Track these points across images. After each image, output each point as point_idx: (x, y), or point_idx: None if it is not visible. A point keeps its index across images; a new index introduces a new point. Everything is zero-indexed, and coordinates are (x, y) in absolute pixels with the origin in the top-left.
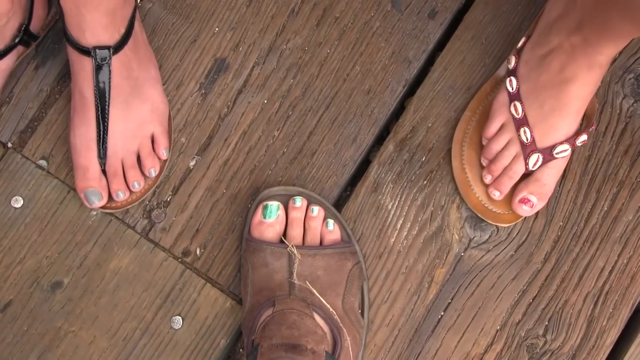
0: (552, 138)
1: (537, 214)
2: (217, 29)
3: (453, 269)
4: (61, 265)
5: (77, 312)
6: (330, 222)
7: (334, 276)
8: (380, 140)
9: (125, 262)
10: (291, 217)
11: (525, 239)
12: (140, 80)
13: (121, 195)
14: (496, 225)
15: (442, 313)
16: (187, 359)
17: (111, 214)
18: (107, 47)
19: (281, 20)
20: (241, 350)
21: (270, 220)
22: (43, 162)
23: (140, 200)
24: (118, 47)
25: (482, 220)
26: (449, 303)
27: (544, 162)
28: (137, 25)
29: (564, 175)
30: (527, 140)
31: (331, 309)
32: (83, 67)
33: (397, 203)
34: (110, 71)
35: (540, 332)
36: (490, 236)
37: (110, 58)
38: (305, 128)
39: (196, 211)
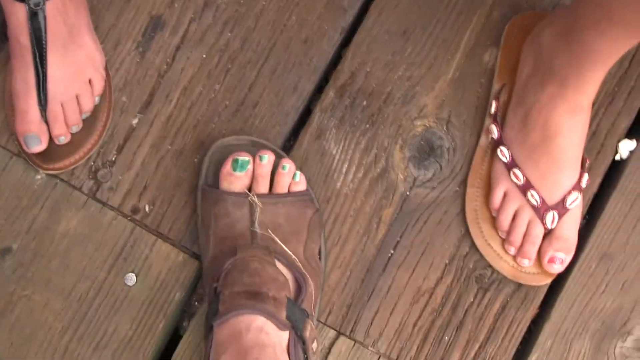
0: (560, 192)
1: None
2: None
3: (400, 208)
4: (8, 231)
5: (29, 276)
6: (297, 173)
7: (295, 224)
8: (321, 88)
9: (74, 224)
10: (257, 173)
11: (468, 173)
12: (75, 26)
13: (62, 140)
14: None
15: (392, 251)
16: (142, 315)
17: (56, 176)
18: None
19: None
20: (196, 303)
21: (240, 173)
22: None
23: (87, 156)
24: None
25: (427, 159)
26: (398, 241)
27: (560, 216)
28: None
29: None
30: (538, 202)
31: (293, 256)
32: (16, 14)
33: (341, 148)
34: (45, 17)
35: (488, 263)
36: (434, 174)
37: (43, 3)
38: (245, 80)
39: (142, 169)
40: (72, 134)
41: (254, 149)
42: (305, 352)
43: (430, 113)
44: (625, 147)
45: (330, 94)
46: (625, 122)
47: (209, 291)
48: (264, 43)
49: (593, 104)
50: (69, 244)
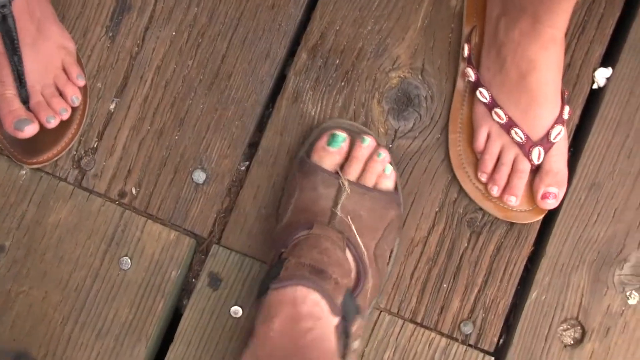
0: (543, 126)
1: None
2: None
3: None
4: None
5: (24, 272)
6: (389, 167)
7: (375, 220)
8: (293, 52)
9: (64, 215)
10: (354, 154)
11: (448, 119)
12: (42, 20)
13: (51, 120)
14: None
15: None
16: (141, 297)
17: (40, 169)
18: None
19: None
20: (193, 280)
21: (333, 149)
22: None
23: (69, 146)
24: None
25: (405, 110)
26: None
27: (546, 151)
28: None
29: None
30: (522, 139)
31: (363, 249)
32: None
33: (319, 108)
34: (13, 17)
35: (478, 206)
36: (414, 124)
37: (10, 4)
38: (217, 53)
39: (125, 152)
40: (61, 118)
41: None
42: (345, 346)
43: (404, 64)
44: (601, 75)
45: (302, 56)
46: (599, 51)
47: (275, 254)
48: (232, 13)
49: (565, 36)
50: (60, 235)
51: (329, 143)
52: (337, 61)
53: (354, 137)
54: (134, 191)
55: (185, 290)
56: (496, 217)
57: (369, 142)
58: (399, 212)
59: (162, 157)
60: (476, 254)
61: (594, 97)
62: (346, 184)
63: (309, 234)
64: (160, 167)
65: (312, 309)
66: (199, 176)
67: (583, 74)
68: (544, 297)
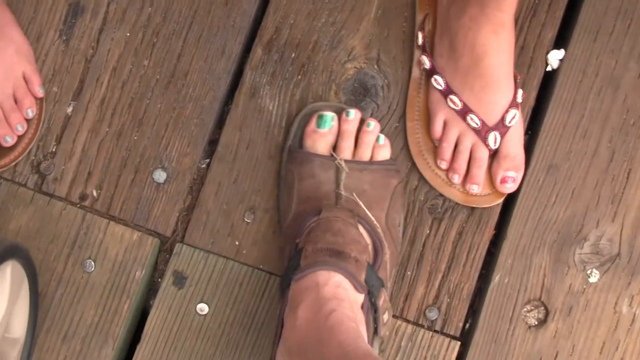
0: (498, 111)
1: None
2: None
3: None
4: None
5: None
6: (382, 136)
7: (379, 191)
8: (249, 47)
9: (25, 220)
10: (343, 129)
11: (406, 107)
12: (2, 24)
13: (9, 140)
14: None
15: None
16: (106, 298)
17: None
18: None
19: None
20: (159, 279)
21: (324, 130)
22: None
23: (27, 151)
24: None
25: (363, 100)
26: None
27: (502, 135)
28: None
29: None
30: (478, 125)
31: (375, 222)
32: None
33: (277, 103)
34: None
35: (438, 192)
36: (372, 113)
37: None
38: (173, 51)
39: (84, 155)
40: (18, 135)
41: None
42: (375, 321)
43: (359, 54)
44: (555, 57)
45: (258, 51)
46: (551, 33)
47: (290, 248)
48: (185, 12)
49: (516, 20)
50: (22, 241)
51: (319, 125)
52: (293, 55)
53: (339, 114)
54: (95, 193)
55: (151, 290)
56: (457, 203)
57: (353, 114)
58: (400, 179)
59: (122, 158)
60: (438, 240)
61: (549, 79)
62: (343, 163)
63: (319, 219)
64: (120, 168)
65: (335, 290)
66: (160, 175)
67: (536, 57)
68: (506, 280)
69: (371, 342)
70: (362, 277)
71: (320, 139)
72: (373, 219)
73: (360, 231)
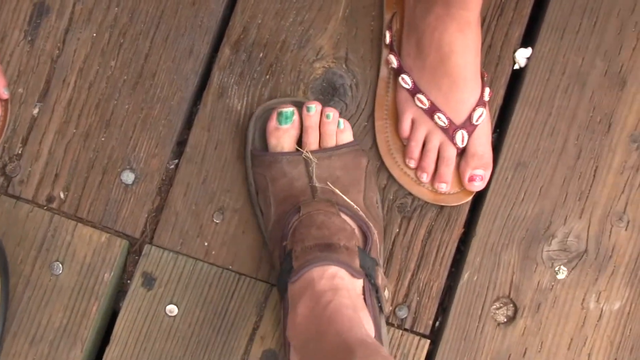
0: (465, 110)
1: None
2: None
3: None
4: None
5: None
6: (341, 121)
7: (352, 174)
8: (217, 47)
9: None
10: (306, 124)
11: (374, 106)
12: None
13: None
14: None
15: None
16: (74, 301)
17: None
18: None
19: None
20: (128, 281)
21: (286, 125)
22: None
23: None
24: None
25: (331, 100)
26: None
27: (470, 134)
28: None
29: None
30: (445, 123)
31: (355, 206)
32: None
33: (245, 102)
34: None
35: (407, 191)
36: (341, 113)
37: None
38: (140, 52)
39: (50, 156)
40: None
41: (298, 107)
42: (379, 300)
43: (327, 54)
44: (522, 55)
45: (226, 51)
46: (518, 31)
47: (279, 251)
48: (152, 12)
49: (484, 19)
50: None
51: (280, 121)
52: (261, 55)
53: (300, 106)
54: (62, 195)
55: (120, 291)
56: (426, 201)
57: (314, 108)
58: (367, 157)
59: (90, 160)
60: (408, 239)
61: (516, 77)
62: (310, 155)
63: (301, 216)
64: (88, 169)
65: (331, 282)
66: (128, 177)
67: (504, 55)
68: (475, 278)
69: (379, 322)
70: (356, 262)
71: (284, 135)
72: (352, 203)
73: (344, 218)
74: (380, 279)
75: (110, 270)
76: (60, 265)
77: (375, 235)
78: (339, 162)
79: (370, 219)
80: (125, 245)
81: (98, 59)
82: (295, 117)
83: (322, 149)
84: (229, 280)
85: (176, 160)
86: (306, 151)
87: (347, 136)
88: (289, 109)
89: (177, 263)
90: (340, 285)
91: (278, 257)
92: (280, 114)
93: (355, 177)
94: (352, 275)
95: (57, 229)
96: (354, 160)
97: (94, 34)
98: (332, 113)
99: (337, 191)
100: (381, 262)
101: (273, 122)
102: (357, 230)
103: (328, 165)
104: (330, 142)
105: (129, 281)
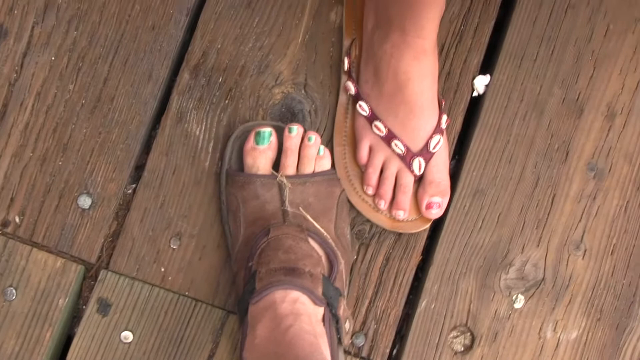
0: (422, 137)
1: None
2: None
3: None
4: None
5: None
6: (322, 147)
7: (325, 202)
8: (177, 71)
9: None
10: (286, 146)
11: (333, 133)
12: None
13: None
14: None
15: None
16: (27, 327)
17: None
18: None
19: None
20: (83, 306)
21: (263, 146)
22: None
23: None
24: None
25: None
26: None
27: (427, 161)
28: None
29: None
30: (403, 151)
31: (325, 233)
32: None
33: (204, 127)
34: None
35: (365, 218)
36: None
37: None
38: (99, 76)
39: (6, 180)
40: None
41: (277, 131)
42: (338, 331)
43: (286, 79)
44: (481, 82)
45: (185, 76)
46: (477, 58)
47: (244, 272)
48: (112, 36)
49: (442, 46)
50: None
51: (258, 142)
52: (220, 79)
53: (280, 132)
54: (17, 220)
55: (76, 317)
56: (384, 228)
57: (296, 130)
58: (342, 187)
59: (46, 184)
60: (365, 266)
61: (475, 104)
62: (284, 179)
63: (269, 239)
64: (44, 194)
65: (292, 306)
66: (85, 201)
67: (463, 82)
68: (433, 306)
69: (336, 353)
70: (319, 290)
71: (260, 156)
72: (322, 230)
73: (312, 244)
74: (342, 310)
75: (65, 296)
76: (14, 290)
77: (342, 265)
78: (312, 189)
79: (339, 248)
80: (81, 271)
81: (56, 83)
82: (273, 139)
83: (297, 175)
84: (185, 307)
85: (134, 185)
86: (281, 175)
87: (326, 163)
88: (267, 130)
89: (133, 289)
90: (301, 311)
91: (242, 278)
92: (258, 134)
93: (328, 205)
94: (314, 302)
95: (12, 253)
96: (328, 188)
97: (53, 58)
98: (314, 137)
99: (309, 217)
100: (345, 292)
101: (250, 142)
102: (324, 258)
103: (302, 191)
104: (309, 167)
105: (84, 307)
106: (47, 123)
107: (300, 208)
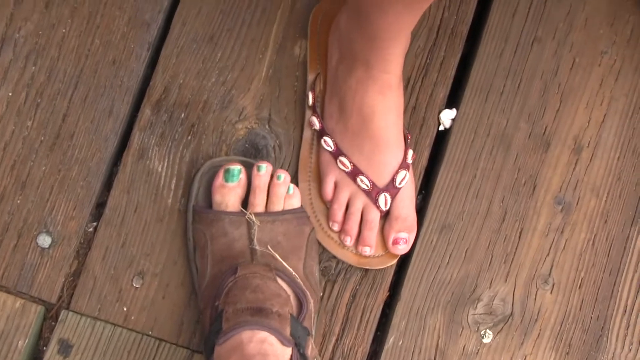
0: (388, 172)
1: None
2: None
3: None
4: None
5: None
6: (291, 186)
7: (294, 241)
8: (139, 107)
9: None
10: (255, 184)
11: (297, 169)
12: None
13: None
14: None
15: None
16: None
17: None
18: None
19: (8, 9)
20: (44, 347)
21: (232, 183)
22: None
23: None
24: None
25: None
26: None
27: (393, 196)
28: None
29: None
30: (368, 186)
31: (294, 273)
32: None
33: (166, 164)
34: None
35: (331, 254)
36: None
37: None
38: (58, 112)
39: None
40: None
41: (246, 167)
42: None
43: (250, 114)
44: (447, 116)
45: (146, 111)
46: (443, 92)
47: (210, 311)
48: (71, 71)
49: (408, 80)
50: None
51: (227, 179)
52: (183, 115)
53: (249, 168)
54: None
55: (36, 359)
56: (350, 264)
57: (265, 168)
58: (311, 225)
59: (4, 223)
60: (332, 303)
61: (441, 138)
62: (253, 217)
63: (237, 278)
64: (2, 233)
65: (260, 346)
66: (44, 240)
67: (429, 116)
68: (401, 342)
69: None
70: (287, 330)
71: (229, 193)
72: (291, 270)
73: (280, 283)
74: (310, 349)
75: (25, 337)
76: None
77: (312, 304)
78: (282, 228)
79: (308, 287)
80: (41, 311)
81: (14, 119)
82: (242, 176)
83: (267, 212)
84: (148, 347)
85: (95, 223)
86: (250, 213)
87: (295, 202)
88: (236, 167)
89: (95, 329)
90: (269, 351)
91: (209, 317)
92: (227, 171)
93: (297, 244)
94: (282, 342)
95: None
96: (298, 227)
97: (10, 93)
98: (283, 175)
99: (277, 256)
100: (314, 332)
101: (219, 179)
102: (292, 298)
103: (271, 229)
104: (278, 205)
105: (44, 348)
106: (4, 160)
107: (269, 247)
